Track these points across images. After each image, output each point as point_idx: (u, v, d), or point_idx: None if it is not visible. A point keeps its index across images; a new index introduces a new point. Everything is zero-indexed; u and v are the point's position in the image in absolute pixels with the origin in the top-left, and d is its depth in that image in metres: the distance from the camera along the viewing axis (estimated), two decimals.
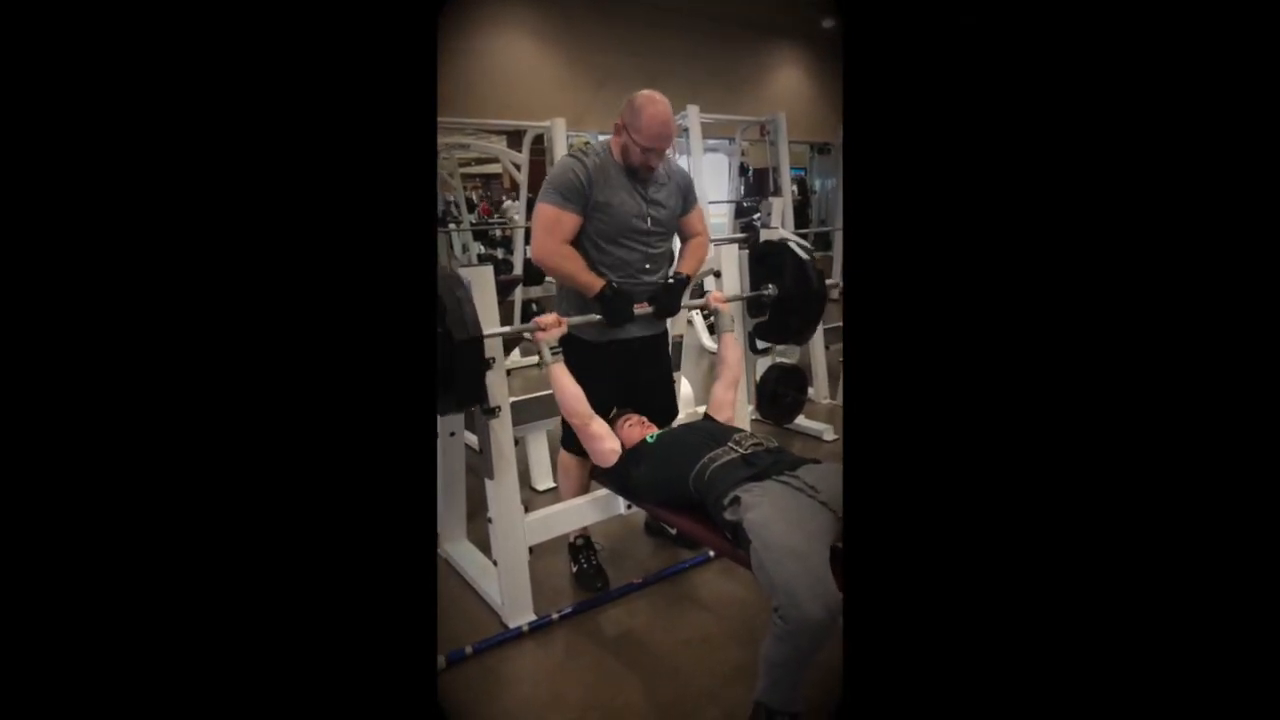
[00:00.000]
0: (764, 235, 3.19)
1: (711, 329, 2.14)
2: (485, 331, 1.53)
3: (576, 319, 1.76)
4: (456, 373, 1.45)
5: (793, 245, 2.12)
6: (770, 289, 2.13)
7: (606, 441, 1.68)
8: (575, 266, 1.73)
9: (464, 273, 1.69)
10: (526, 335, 1.79)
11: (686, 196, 1.93)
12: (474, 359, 1.47)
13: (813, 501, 1.31)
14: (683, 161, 4.11)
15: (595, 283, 1.73)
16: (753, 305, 2.21)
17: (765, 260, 2.21)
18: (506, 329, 1.69)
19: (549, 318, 1.66)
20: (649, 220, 1.82)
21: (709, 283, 2.51)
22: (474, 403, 1.57)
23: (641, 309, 1.81)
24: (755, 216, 4.35)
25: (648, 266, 1.86)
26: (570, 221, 1.72)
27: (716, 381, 1.91)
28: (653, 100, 1.68)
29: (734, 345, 1.94)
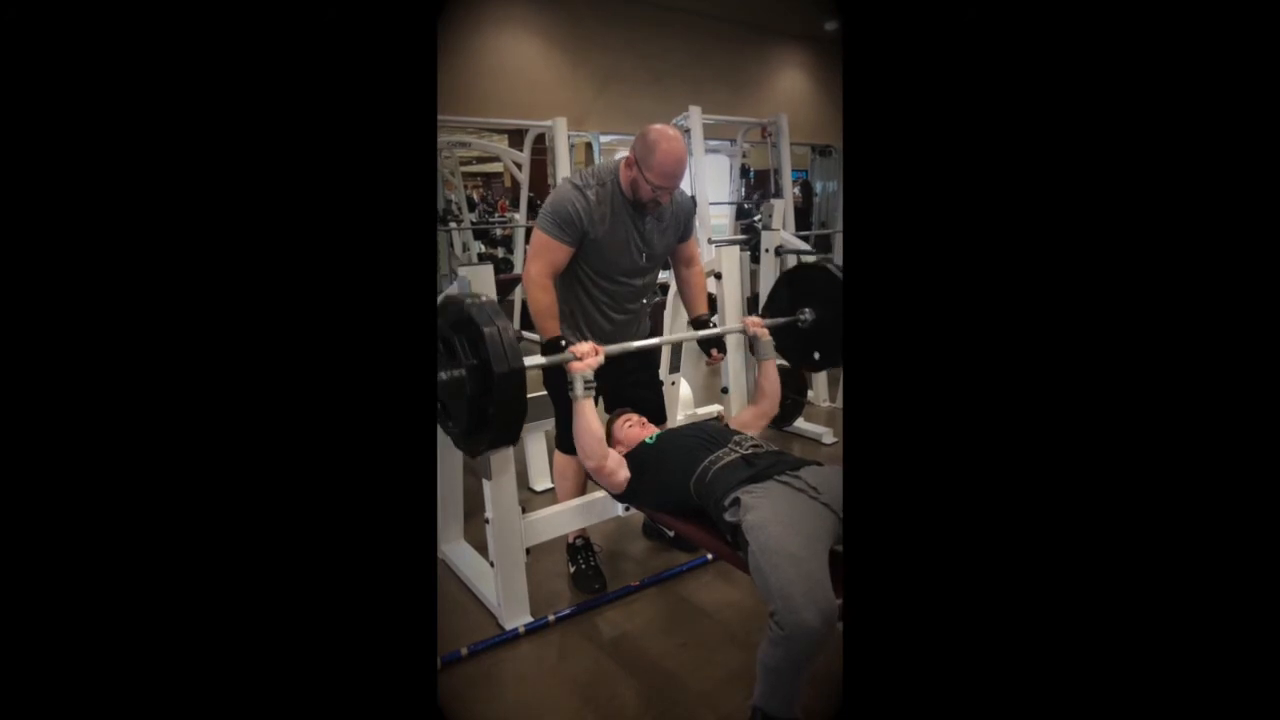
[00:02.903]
0: (766, 238, 3.19)
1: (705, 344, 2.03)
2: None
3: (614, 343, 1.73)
4: (494, 409, 1.30)
5: (831, 268, 1.99)
6: (806, 314, 1.98)
7: (620, 473, 1.61)
8: (545, 304, 1.73)
9: (464, 271, 1.68)
10: (537, 353, 1.72)
11: (685, 225, 1.92)
12: (516, 394, 1.32)
13: (814, 503, 1.31)
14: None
15: (549, 330, 1.73)
16: (786, 330, 2.04)
17: (799, 283, 2.05)
18: (543, 360, 1.61)
19: (585, 346, 1.56)
20: (644, 256, 1.83)
21: (717, 296, 2.44)
22: (511, 442, 1.43)
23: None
24: (756, 218, 4.35)
25: (642, 301, 1.91)
26: (561, 253, 1.73)
27: (751, 407, 1.83)
28: (667, 137, 1.65)
29: (774, 375, 1.82)
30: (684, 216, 1.90)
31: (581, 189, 1.72)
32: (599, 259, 1.77)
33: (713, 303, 2.32)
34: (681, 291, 2.05)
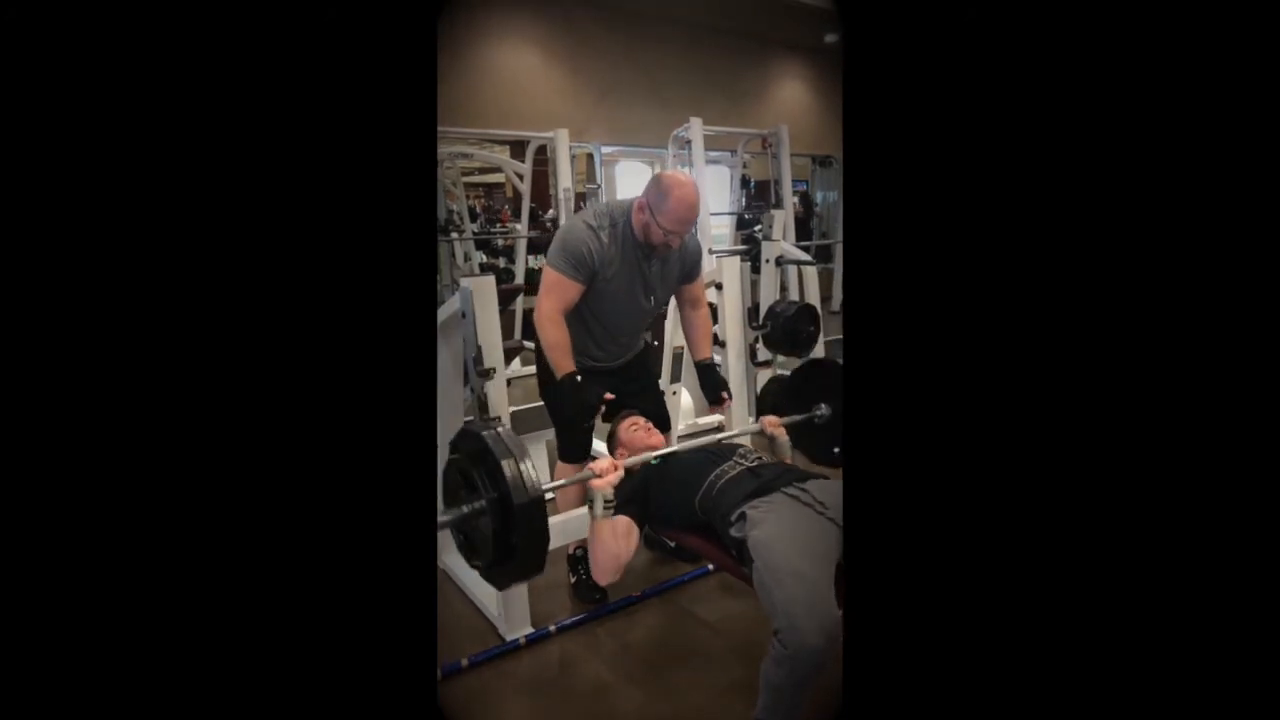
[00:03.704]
0: (767, 249, 3.20)
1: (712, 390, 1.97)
2: (544, 487, 1.29)
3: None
4: (518, 541, 1.27)
5: (839, 364, 1.93)
6: (823, 409, 1.93)
7: (633, 546, 1.52)
8: (557, 339, 1.71)
9: (466, 282, 1.69)
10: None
11: (692, 267, 1.93)
12: (538, 524, 1.29)
13: (820, 518, 1.30)
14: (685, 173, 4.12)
15: (564, 366, 1.70)
16: (803, 426, 1.95)
17: (814, 379, 2.00)
18: (561, 481, 1.56)
19: (604, 463, 1.48)
20: (650, 299, 1.83)
21: (718, 350, 2.38)
22: (537, 572, 1.37)
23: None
24: (756, 229, 4.37)
25: (640, 335, 1.92)
26: (573, 291, 1.72)
27: None
28: (680, 184, 1.66)
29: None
30: (690, 258, 1.91)
31: (595, 230, 1.72)
32: (604, 299, 1.77)
33: (713, 312, 2.32)
34: (685, 332, 2.04)
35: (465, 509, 1.31)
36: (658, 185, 1.67)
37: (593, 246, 1.70)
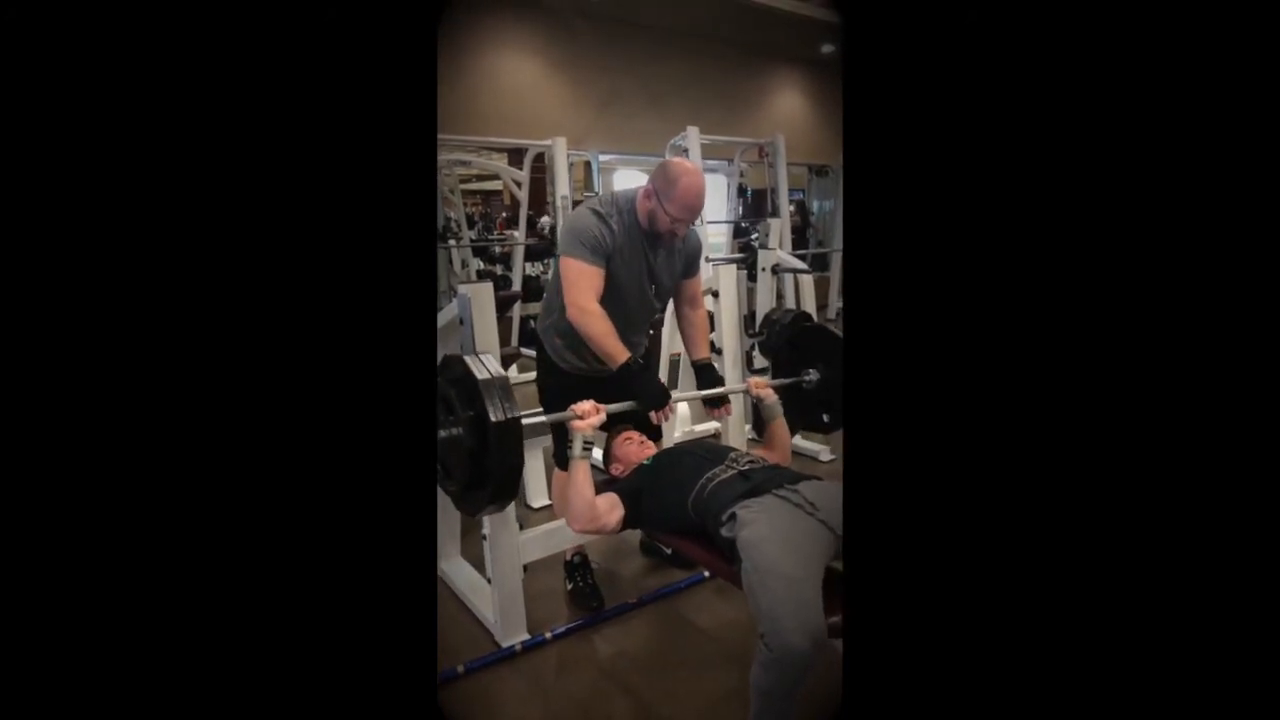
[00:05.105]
0: (763, 257, 3.21)
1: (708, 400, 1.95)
2: (522, 417, 1.31)
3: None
4: (493, 461, 1.27)
5: (830, 329, 1.94)
6: (811, 374, 1.92)
7: (612, 519, 1.54)
8: (604, 329, 1.66)
9: (464, 288, 1.69)
10: (539, 415, 1.62)
11: (692, 262, 1.93)
12: (513, 444, 1.29)
13: (811, 520, 1.30)
14: None
15: (620, 353, 1.63)
16: (791, 391, 1.95)
17: (802, 343, 2.00)
18: (544, 417, 1.58)
19: (586, 405, 1.51)
20: (655, 288, 1.83)
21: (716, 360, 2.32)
22: (512, 497, 1.39)
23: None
24: (753, 237, 4.39)
25: (645, 336, 1.90)
26: (599, 277, 1.69)
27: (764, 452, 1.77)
28: (687, 171, 1.66)
29: (783, 434, 1.79)
30: (691, 251, 1.91)
31: (604, 216, 1.71)
32: (612, 290, 1.75)
33: (711, 321, 2.32)
34: (683, 331, 2.02)
35: (443, 433, 1.31)
36: (665, 173, 1.66)
37: (604, 231, 1.69)
